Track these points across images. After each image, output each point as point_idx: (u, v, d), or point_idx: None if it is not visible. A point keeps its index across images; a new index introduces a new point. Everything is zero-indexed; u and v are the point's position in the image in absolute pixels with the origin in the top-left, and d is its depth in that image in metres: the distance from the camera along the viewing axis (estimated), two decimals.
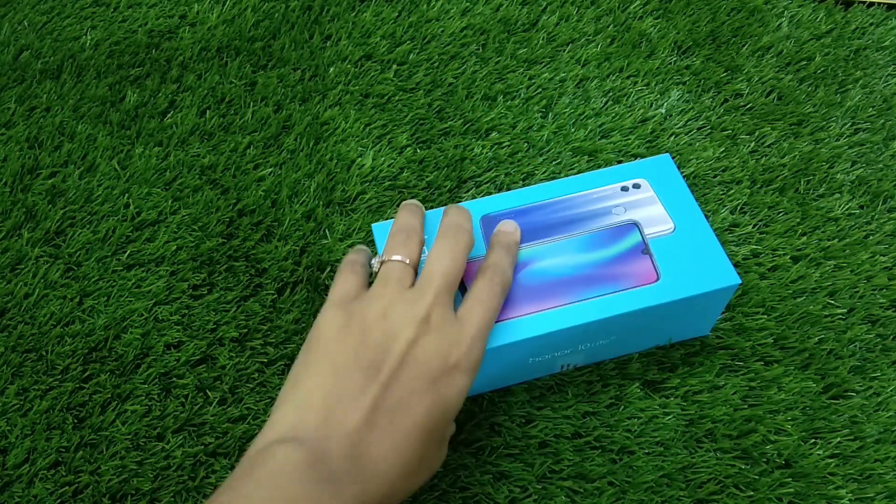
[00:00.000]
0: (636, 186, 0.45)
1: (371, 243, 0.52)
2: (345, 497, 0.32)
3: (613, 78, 0.60)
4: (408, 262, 0.39)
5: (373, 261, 0.40)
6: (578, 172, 0.54)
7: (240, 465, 0.33)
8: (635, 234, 0.43)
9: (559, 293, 0.41)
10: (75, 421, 0.46)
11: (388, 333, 0.36)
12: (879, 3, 0.64)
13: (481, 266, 0.40)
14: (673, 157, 0.55)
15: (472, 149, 0.57)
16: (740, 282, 0.41)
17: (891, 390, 0.46)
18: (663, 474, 0.43)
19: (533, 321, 0.41)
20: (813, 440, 0.44)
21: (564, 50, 0.62)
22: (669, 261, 0.42)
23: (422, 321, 0.36)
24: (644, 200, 0.45)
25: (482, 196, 0.49)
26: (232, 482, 0.32)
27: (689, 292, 0.41)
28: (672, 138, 0.57)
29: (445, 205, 0.54)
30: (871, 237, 0.52)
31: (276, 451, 0.32)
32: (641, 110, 0.58)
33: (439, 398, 0.35)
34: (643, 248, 0.43)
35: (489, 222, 0.45)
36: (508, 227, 0.43)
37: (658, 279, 0.42)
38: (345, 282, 0.39)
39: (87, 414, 0.47)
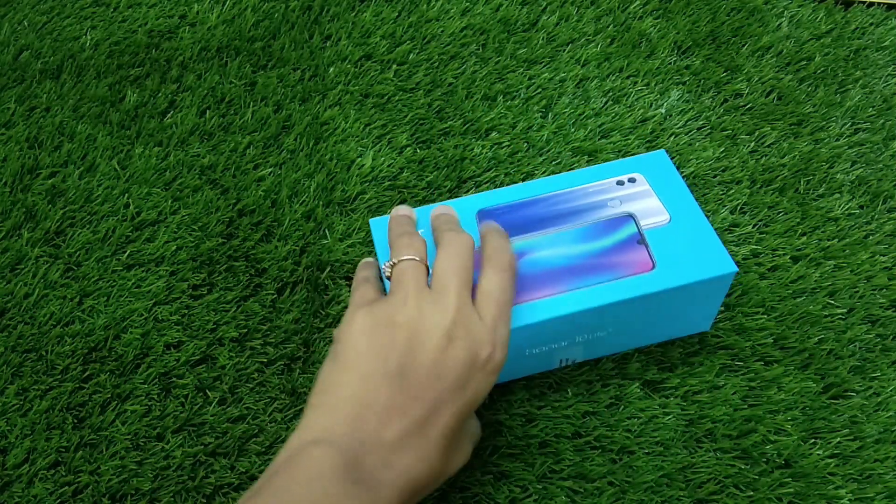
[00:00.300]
0: (631, 181, 0.46)
1: (370, 243, 0.52)
2: (380, 501, 0.33)
3: (613, 78, 0.60)
4: (418, 259, 0.39)
5: (382, 266, 0.40)
6: None
7: (274, 464, 0.34)
8: (630, 226, 0.43)
9: (554, 282, 0.41)
10: (75, 421, 0.46)
11: (416, 339, 0.36)
12: (879, 3, 0.64)
13: (483, 256, 0.40)
14: (673, 158, 0.55)
15: (472, 149, 0.57)
16: (736, 270, 0.41)
17: (891, 390, 0.46)
18: (663, 474, 0.43)
19: (528, 309, 0.40)
20: (813, 440, 0.44)
21: (564, 50, 0.62)
22: (665, 250, 0.42)
23: (448, 327, 0.36)
24: (639, 194, 0.45)
25: None
26: (268, 480, 0.33)
27: (685, 280, 0.41)
28: (672, 138, 0.57)
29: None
30: (871, 237, 0.52)
31: (312, 451, 0.33)
32: (641, 110, 0.58)
33: (466, 402, 0.36)
34: (639, 239, 0.43)
35: (485, 216, 0.45)
36: (491, 222, 0.43)
37: (654, 268, 0.42)
38: (364, 291, 0.40)
39: (87, 414, 0.47)
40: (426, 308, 0.36)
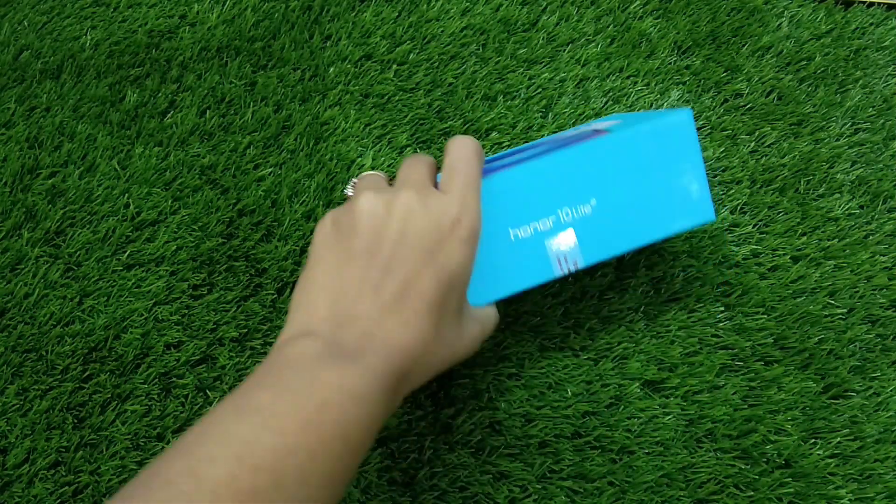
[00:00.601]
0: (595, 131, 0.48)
1: None
2: (367, 369, 0.33)
3: (613, 78, 0.60)
4: (379, 173, 0.41)
5: (347, 189, 0.42)
6: None
7: (260, 367, 0.35)
8: (590, 131, 0.45)
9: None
10: (75, 421, 0.46)
11: (377, 221, 0.37)
12: (879, 3, 0.64)
13: (446, 145, 0.41)
14: None
15: None
16: (691, 114, 0.42)
17: (891, 390, 0.46)
18: (663, 474, 0.43)
19: (495, 177, 0.41)
20: (813, 440, 0.44)
21: (564, 50, 0.62)
22: (622, 129, 0.43)
23: (408, 204, 0.37)
24: (601, 128, 0.47)
25: None
26: (258, 375, 0.34)
27: (641, 128, 0.42)
28: None
29: None
30: (871, 237, 0.52)
31: (293, 344, 0.34)
32: (641, 110, 0.58)
33: (442, 268, 0.36)
34: (597, 130, 0.44)
35: None
36: None
37: (611, 133, 0.43)
38: (333, 210, 0.41)
39: (87, 414, 0.47)
40: (386, 197, 0.38)
